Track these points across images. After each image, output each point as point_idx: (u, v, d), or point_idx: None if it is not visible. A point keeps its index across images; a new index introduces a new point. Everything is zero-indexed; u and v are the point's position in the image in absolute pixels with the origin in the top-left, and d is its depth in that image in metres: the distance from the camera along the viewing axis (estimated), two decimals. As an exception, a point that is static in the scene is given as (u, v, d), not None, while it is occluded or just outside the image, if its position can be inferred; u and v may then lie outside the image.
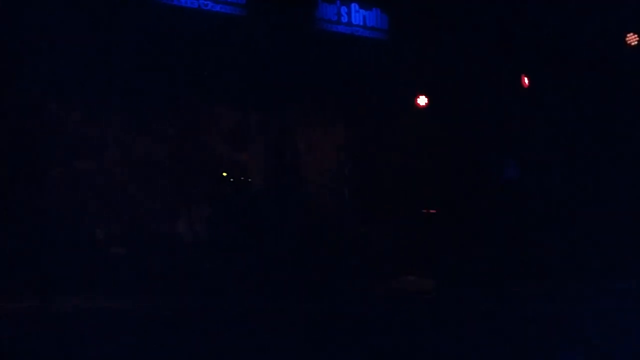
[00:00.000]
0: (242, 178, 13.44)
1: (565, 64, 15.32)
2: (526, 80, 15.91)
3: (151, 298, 10.11)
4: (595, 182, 15.30)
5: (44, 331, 8.36)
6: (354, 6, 15.28)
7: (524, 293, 11.94)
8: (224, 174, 13.64)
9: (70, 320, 9.05)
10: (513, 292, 11.92)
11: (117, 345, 7.58)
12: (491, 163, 15.61)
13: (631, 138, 15.48)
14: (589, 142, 15.61)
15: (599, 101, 15.37)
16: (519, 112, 15.67)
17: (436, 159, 15.67)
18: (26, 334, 8.18)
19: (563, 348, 7.72)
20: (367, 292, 11.74)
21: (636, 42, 15.53)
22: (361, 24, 15.34)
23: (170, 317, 9.30)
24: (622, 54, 15.40)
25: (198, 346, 7.63)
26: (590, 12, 15.12)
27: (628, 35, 15.56)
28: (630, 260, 13.34)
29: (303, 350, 7.48)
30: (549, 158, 15.68)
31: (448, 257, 12.76)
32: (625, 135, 15.53)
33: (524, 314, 10.00)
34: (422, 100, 15.96)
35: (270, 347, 7.60)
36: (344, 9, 15.15)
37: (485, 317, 9.77)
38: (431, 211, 15.30)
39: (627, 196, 15.12)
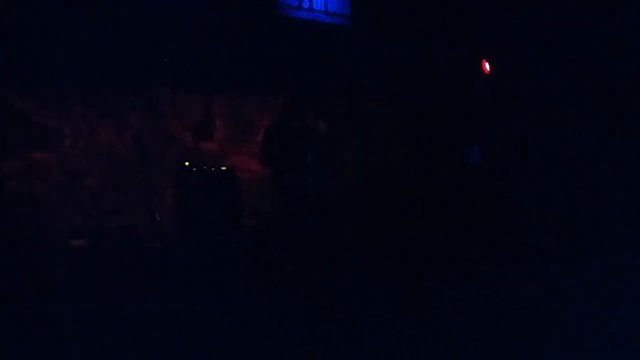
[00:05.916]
0: (209, 168, 13.11)
1: (530, 48, 15.30)
2: (487, 65, 15.92)
3: (116, 295, 9.69)
4: (570, 173, 15.28)
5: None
6: (316, -9, 15.08)
7: (497, 280, 11.92)
8: (187, 164, 13.27)
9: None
10: (486, 279, 11.89)
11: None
12: (456, 149, 15.59)
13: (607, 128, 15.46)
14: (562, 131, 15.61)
15: (568, 86, 15.37)
16: (483, 98, 15.67)
17: (402, 146, 15.63)
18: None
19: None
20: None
21: None
22: (323, 9, 15.14)
23: (155, 317, 8.94)
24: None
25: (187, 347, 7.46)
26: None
27: None
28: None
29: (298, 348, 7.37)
30: (516, 145, 15.66)
31: (420, 246, 12.68)
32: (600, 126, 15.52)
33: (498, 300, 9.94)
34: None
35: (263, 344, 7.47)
36: (305, -6, 14.93)
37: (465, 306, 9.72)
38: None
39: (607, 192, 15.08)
